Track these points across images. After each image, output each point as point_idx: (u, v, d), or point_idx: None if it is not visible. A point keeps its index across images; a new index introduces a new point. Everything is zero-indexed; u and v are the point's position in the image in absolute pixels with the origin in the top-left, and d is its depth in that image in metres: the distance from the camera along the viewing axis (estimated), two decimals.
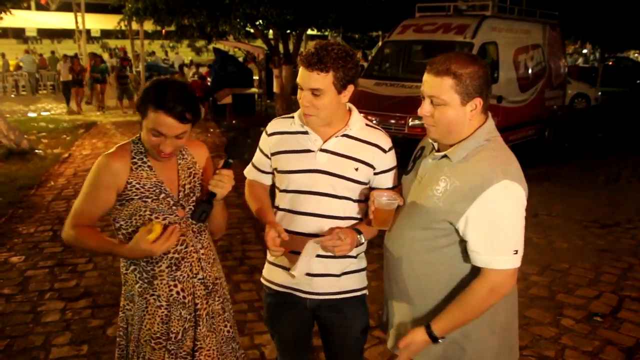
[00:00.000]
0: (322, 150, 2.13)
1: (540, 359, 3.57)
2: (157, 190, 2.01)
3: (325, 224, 2.12)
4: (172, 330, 2.03)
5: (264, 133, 2.27)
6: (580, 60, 33.55)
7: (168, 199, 2.02)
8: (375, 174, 2.17)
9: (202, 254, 2.11)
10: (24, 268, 5.02)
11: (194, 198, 2.09)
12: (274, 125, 2.25)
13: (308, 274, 2.13)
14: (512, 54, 9.50)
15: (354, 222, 2.19)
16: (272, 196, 2.30)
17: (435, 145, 1.97)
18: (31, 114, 15.70)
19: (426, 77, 1.85)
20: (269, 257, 2.32)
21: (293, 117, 2.21)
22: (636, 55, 32.06)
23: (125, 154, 2.02)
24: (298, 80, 2.06)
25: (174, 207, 2.03)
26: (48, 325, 4.02)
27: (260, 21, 11.62)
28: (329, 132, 2.14)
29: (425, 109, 1.87)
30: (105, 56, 28.47)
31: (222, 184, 1.96)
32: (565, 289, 4.62)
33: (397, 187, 2.20)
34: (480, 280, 1.80)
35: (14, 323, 4.04)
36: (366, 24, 15.52)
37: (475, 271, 1.84)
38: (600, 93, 18.71)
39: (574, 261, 5.23)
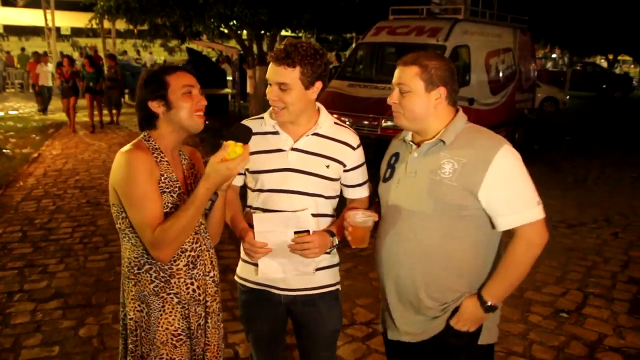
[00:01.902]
0: (293, 149, 2.18)
1: (509, 354, 3.68)
2: (177, 185, 1.98)
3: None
4: (191, 326, 2.02)
5: None
6: (549, 65, 34.30)
7: (184, 195, 1.99)
8: (345, 170, 2.24)
9: (212, 253, 2.12)
10: None
11: None
12: None
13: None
14: (483, 57, 9.69)
15: (326, 218, 2.25)
16: (243, 196, 2.34)
17: (411, 142, 2.07)
18: None
19: (396, 70, 2.03)
20: (242, 255, 2.35)
21: (263, 118, 2.26)
22: (602, 60, 32.90)
23: (144, 148, 1.95)
24: (267, 75, 2.13)
25: None
26: (17, 327, 3.96)
27: (234, 21, 11.61)
28: (299, 132, 2.19)
29: (392, 96, 2.02)
30: (75, 55, 27.96)
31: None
32: (533, 286, 4.74)
33: (368, 183, 2.33)
34: (516, 240, 1.92)
35: None
36: (340, 26, 15.57)
37: (494, 237, 2.01)
38: (568, 97, 19.17)
39: (541, 260, 5.29)
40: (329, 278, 2.30)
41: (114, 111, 14.03)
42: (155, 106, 1.95)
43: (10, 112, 15.65)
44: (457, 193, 1.91)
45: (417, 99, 1.97)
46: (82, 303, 4.31)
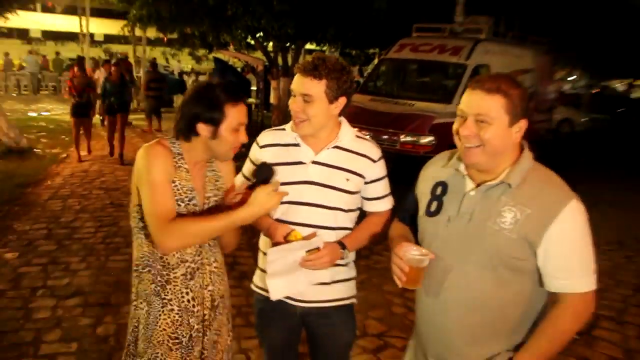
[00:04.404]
0: (314, 162, 2.16)
1: None
2: (189, 195, 1.95)
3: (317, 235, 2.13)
4: (182, 334, 2.00)
5: (254, 144, 2.28)
6: (567, 87, 33.86)
7: (195, 207, 1.96)
8: (365, 183, 2.21)
9: (215, 267, 2.09)
10: (17, 264, 4.98)
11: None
12: (265, 137, 2.26)
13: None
14: None
15: (345, 232, 2.21)
16: None
17: (467, 176, 1.81)
18: (32, 114, 15.64)
19: (472, 95, 1.70)
20: (259, 263, 2.34)
21: (285, 130, 2.23)
22: (617, 85, 32.37)
23: (168, 150, 1.93)
24: (292, 86, 2.11)
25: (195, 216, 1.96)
26: (39, 321, 3.98)
27: (261, 33, 11.68)
28: (320, 144, 2.17)
29: (469, 127, 1.69)
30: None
31: None
32: None
33: (389, 197, 2.28)
34: (563, 307, 1.69)
35: (4, 318, 4.00)
36: (364, 41, 15.54)
37: (547, 299, 1.78)
38: (584, 119, 18.88)
39: None
40: (345, 291, 2.27)
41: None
42: (202, 128, 1.90)
43: (43, 114, 15.90)
44: (515, 246, 1.68)
45: (499, 133, 1.67)
46: (101, 302, 4.33)
